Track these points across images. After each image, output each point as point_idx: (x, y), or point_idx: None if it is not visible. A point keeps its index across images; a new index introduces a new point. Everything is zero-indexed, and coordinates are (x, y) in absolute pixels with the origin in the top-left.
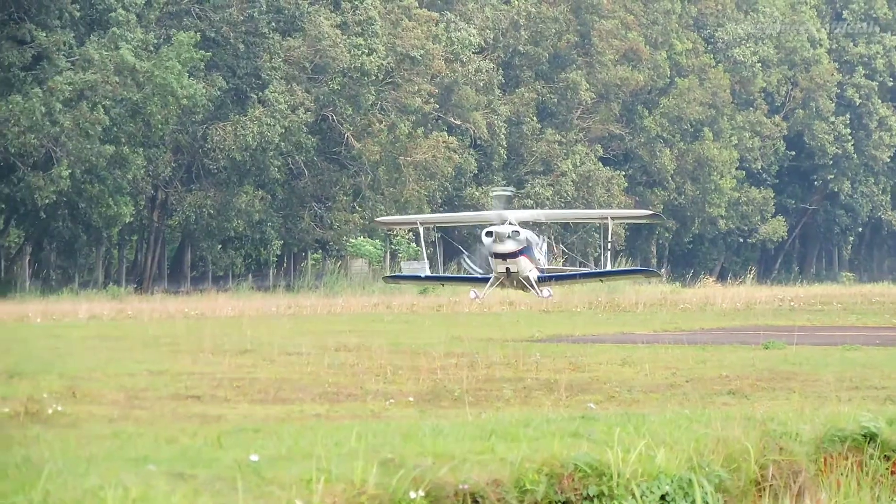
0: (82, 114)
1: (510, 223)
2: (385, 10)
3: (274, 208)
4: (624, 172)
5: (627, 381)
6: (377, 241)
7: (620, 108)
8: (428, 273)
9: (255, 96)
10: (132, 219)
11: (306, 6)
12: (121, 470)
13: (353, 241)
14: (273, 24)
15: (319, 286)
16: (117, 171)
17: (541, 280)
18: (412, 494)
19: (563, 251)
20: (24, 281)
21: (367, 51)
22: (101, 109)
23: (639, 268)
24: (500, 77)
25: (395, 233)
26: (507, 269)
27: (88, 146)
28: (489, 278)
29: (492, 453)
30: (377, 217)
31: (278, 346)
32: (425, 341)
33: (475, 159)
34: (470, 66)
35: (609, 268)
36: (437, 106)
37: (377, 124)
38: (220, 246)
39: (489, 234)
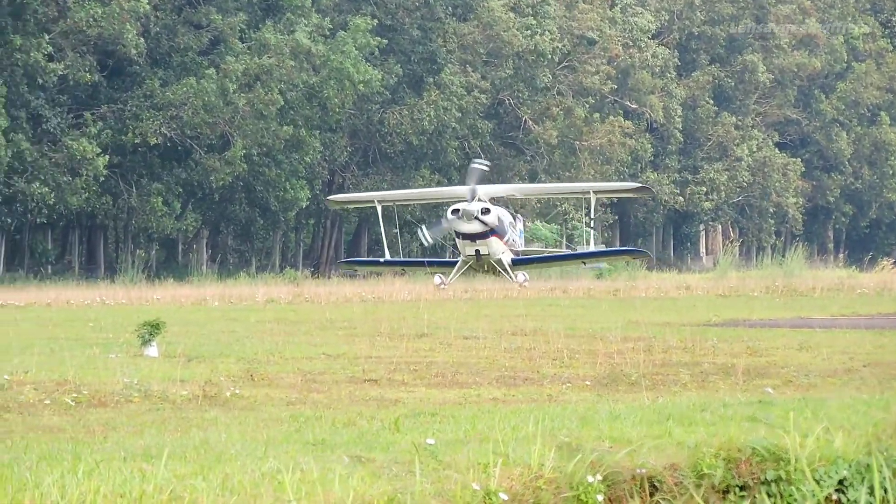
0: (257, 95)
1: (479, 199)
2: None
3: None
4: (800, 157)
5: (805, 366)
6: (553, 225)
7: (796, 93)
8: (388, 258)
9: (431, 80)
10: (309, 202)
11: None
12: (298, 453)
13: (529, 224)
14: (449, 9)
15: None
16: (294, 155)
17: (515, 263)
18: (589, 478)
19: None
20: (202, 265)
21: (539, 31)
22: (276, 92)
23: (623, 248)
24: (676, 60)
25: (570, 216)
26: (477, 251)
27: (263, 126)
28: (456, 262)
29: (669, 437)
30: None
31: (455, 330)
32: (602, 325)
33: (651, 144)
34: (647, 52)
35: (592, 248)
36: (615, 87)
37: (554, 108)
38: (396, 230)
39: (455, 211)
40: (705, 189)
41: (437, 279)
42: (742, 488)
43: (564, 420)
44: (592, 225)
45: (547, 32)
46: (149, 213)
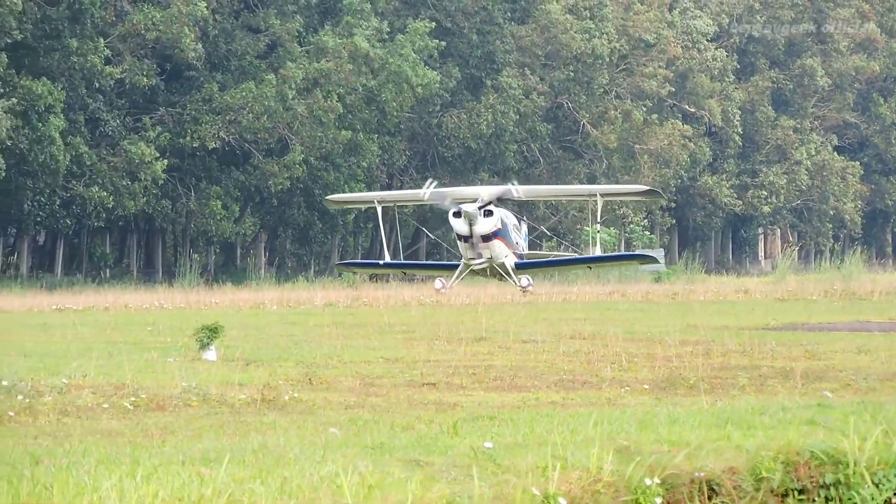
0: (315, 101)
1: (482, 201)
2: None
3: None
4: (859, 161)
5: (863, 370)
6: (612, 228)
7: (855, 97)
8: (388, 260)
9: (489, 83)
10: (367, 208)
11: None
12: (357, 457)
13: (587, 228)
14: (508, 13)
15: (554, 275)
16: (352, 158)
17: (519, 267)
18: (648, 482)
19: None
20: (260, 268)
21: (597, 34)
22: (335, 97)
23: (632, 252)
24: (735, 63)
25: (629, 219)
26: (479, 254)
27: (321, 132)
28: (457, 265)
29: (727, 441)
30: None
31: (513, 334)
32: (660, 329)
33: (709, 147)
34: (706, 54)
35: (598, 252)
36: (673, 90)
37: (613, 111)
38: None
39: (457, 213)
40: (764, 193)
41: (437, 283)
42: (801, 492)
43: (623, 423)
44: (599, 228)
45: (605, 36)
46: (207, 217)
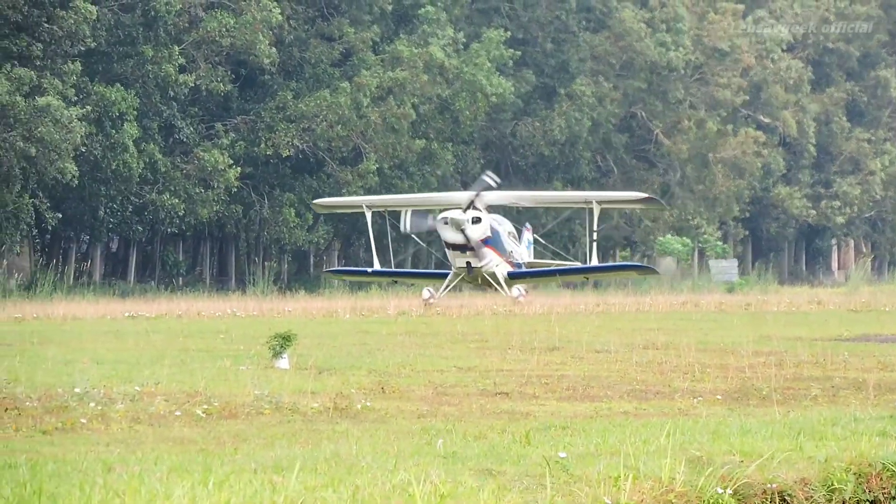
0: (389, 108)
1: (474, 207)
2: (691, 3)
3: None
4: None
5: None
6: (686, 238)
7: None
8: (377, 268)
9: (563, 91)
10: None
11: (615, 3)
12: (430, 466)
13: (661, 238)
14: (583, 22)
15: (627, 284)
16: (426, 167)
17: (513, 277)
18: (720, 492)
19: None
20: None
21: (673, 47)
22: (409, 105)
23: (629, 263)
24: (810, 74)
25: (702, 229)
26: (468, 263)
27: (395, 141)
28: (447, 274)
29: (799, 452)
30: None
31: (587, 344)
32: (733, 339)
33: (783, 158)
34: (780, 64)
35: (595, 262)
36: (747, 99)
37: (686, 121)
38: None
39: (444, 221)
40: (838, 203)
41: (425, 293)
42: (872, 503)
43: (695, 434)
44: (595, 237)
45: (681, 49)
46: (280, 225)
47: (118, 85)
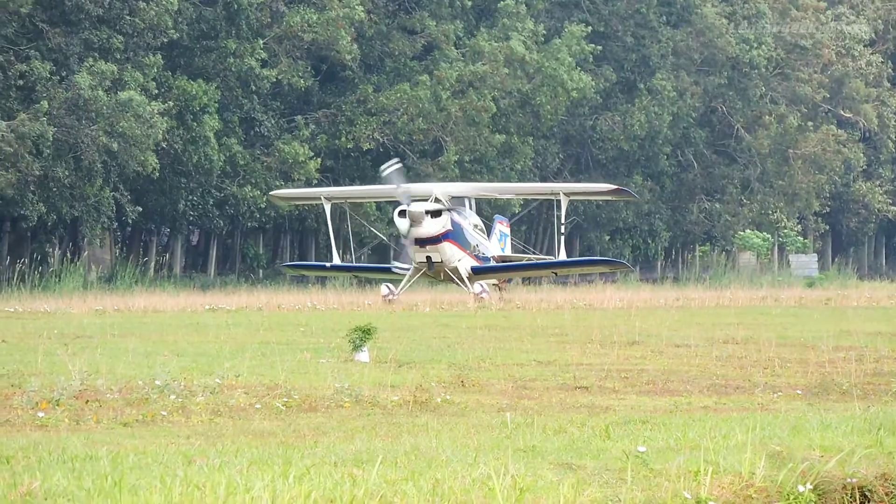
0: (469, 101)
1: (435, 200)
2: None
3: (663, 200)
4: None
5: None
6: (766, 233)
7: None
8: (337, 262)
9: (643, 86)
10: (520, 208)
11: None
12: (509, 460)
13: (741, 233)
14: (664, 17)
15: (706, 279)
16: (506, 161)
17: (477, 272)
18: (800, 488)
19: None
20: None
21: (755, 44)
22: (489, 99)
23: (600, 258)
24: (890, 69)
25: (782, 224)
26: (428, 258)
27: (476, 134)
28: (408, 269)
29: (880, 447)
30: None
31: (666, 338)
32: (813, 334)
33: (863, 153)
34: (861, 61)
35: (563, 256)
36: (828, 95)
37: (767, 116)
38: (608, 237)
39: (402, 213)
40: None
41: (384, 289)
42: None
43: (775, 429)
44: (564, 231)
45: (762, 46)
46: (360, 218)
47: (199, 79)
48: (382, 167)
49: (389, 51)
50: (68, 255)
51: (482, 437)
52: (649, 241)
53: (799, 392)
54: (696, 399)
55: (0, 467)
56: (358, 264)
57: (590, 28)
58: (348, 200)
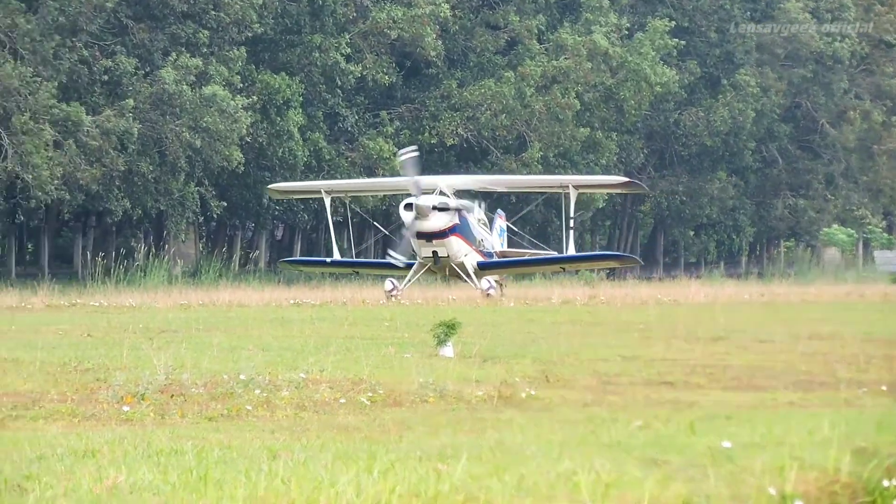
0: (553, 97)
1: (441, 192)
2: None
3: (747, 195)
4: None
5: None
6: (850, 229)
7: None
8: (337, 258)
9: (727, 81)
10: (605, 204)
11: None
12: (594, 455)
13: (826, 229)
14: (747, 12)
15: (791, 274)
16: (590, 156)
17: (483, 267)
18: (885, 483)
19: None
20: None
21: (839, 38)
22: (573, 94)
23: (609, 252)
24: None
25: (867, 220)
26: (434, 252)
27: (560, 129)
28: (411, 264)
29: None
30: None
31: (751, 334)
32: None
33: None
34: None
35: (571, 251)
36: None
37: (852, 112)
38: (692, 232)
39: (408, 206)
40: None
41: (388, 284)
42: None
43: (860, 425)
44: (573, 224)
45: (846, 40)
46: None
47: (283, 73)
48: (400, 152)
49: (473, 46)
50: (153, 249)
51: (567, 433)
52: (734, 237)
53: (884, 388)
54: (781, 395)
55: (86, 461)
56: (360, 259)
57: (673, 23)
58: (349, 194)
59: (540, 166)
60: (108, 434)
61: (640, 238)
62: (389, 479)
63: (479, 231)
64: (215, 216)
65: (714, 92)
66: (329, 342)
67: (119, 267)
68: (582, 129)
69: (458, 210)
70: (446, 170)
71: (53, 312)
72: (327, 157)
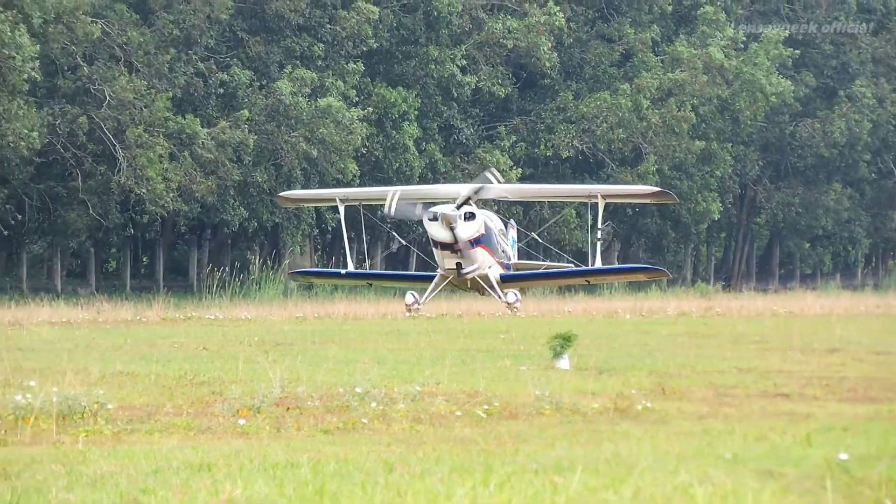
0: (669, 110)
1: (465, 202)
2: None
3: (862, 207)
4: None
5: None
6: None
7: None
8: (351, 269)
9: (842, 93)
10: (720, 216)
11: (895, 5)
12: (710, 467)
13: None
14: (864, 25)
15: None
16: (705, 168)
17: (505, 280)
18: None
19: None
20: None
21: None
22: (689, 107)
23: (635, 265)
24: None
25: None
26: (458, 264)
27: (675, 142)
28: (431, 276)
29: None
30: None
31: (867, 345)
32: None
33: None
34: None
35: (598, 264)
36: None
37: None
38: (808, 244)
39: (432, 216)
40: None
41: (409, 297)
42: None
43: None
44: (600, 236)
45: None
46: (561, 225)
47: (399, 86)
48: (385, 205)
49: (588, 58)
50: (268, 262)
51: (683, 445)
52: (849, 249)
53: None
54: None
55: (202, 474)
56: (375, 271)
57: (787, 32)
58: (363, 202)
59: (655, 178)
60: (223, 447)
61: (756, 250)
62: (505, 492)
63: (501, 242)
64: (331, 229)
65: (830, 103)
66: (445, 355)
67: (234, 280)
68: (697, 142)
69: (483, 220)
70: (562, 182)
71: (169, 326)
72: (443, 169)
